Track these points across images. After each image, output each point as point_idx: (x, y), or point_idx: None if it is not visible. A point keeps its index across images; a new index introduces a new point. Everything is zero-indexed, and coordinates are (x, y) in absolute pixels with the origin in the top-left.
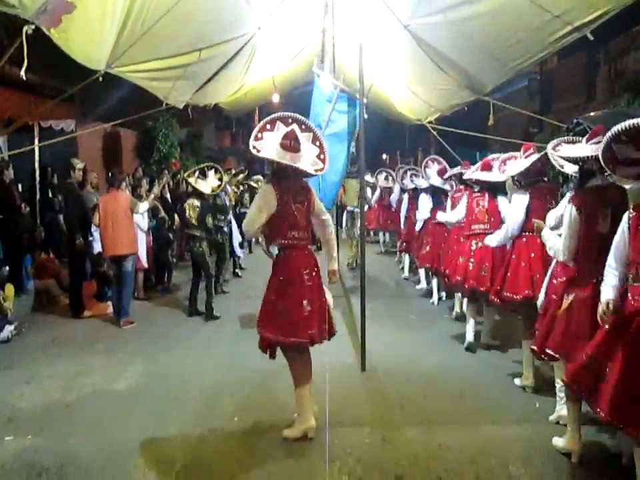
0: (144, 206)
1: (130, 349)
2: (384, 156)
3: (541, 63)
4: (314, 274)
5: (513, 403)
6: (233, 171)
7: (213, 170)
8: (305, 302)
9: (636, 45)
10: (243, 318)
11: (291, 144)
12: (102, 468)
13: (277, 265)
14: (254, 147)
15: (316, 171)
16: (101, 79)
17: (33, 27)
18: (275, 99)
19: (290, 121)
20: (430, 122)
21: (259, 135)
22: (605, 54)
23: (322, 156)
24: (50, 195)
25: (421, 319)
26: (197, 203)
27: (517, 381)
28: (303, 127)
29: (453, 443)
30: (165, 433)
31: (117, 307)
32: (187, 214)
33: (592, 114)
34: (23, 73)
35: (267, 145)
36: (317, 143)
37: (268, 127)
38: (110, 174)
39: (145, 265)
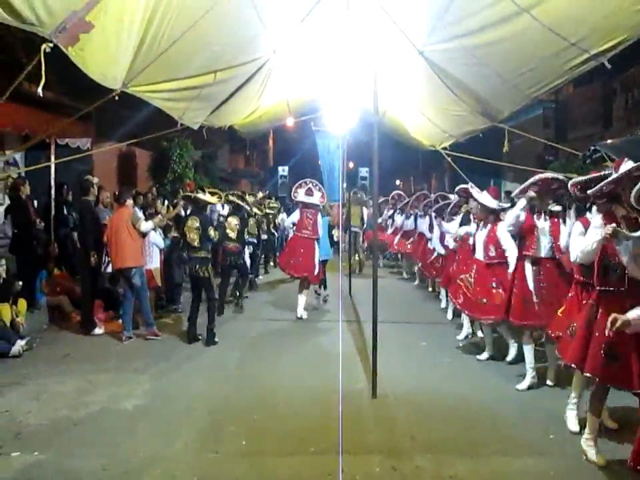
0: (147, 225)
1: (139, 368)
2: (397, 182)
3: (556, 92)
4: (307, 249)
5: (525, 434)
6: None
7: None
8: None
9: None
10: (252, 338)
11: (309, 192)
12: None
13: (293, 240)
14: (294, 195)
15: (320, 202)
16: (117, 98)
17: (51, 44)
18: (290, 122)
19: (308, 182)
20: (444, 148)
21: (296, 191)
22: (621, 83)
23: (322, 196)
24: (65, 211)
25: (433, 346)
26: (196, 224)
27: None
28: (314, 184)
29: (463, 473)
30: (171, 454)
31: (128, 321)
32: (187, 237)
33: (609, 141)
34: (40, 90)
35: (299, 194)
36: (320, 191)
37: (298, 187)
38: (117, 192)
39: (159, 283)
